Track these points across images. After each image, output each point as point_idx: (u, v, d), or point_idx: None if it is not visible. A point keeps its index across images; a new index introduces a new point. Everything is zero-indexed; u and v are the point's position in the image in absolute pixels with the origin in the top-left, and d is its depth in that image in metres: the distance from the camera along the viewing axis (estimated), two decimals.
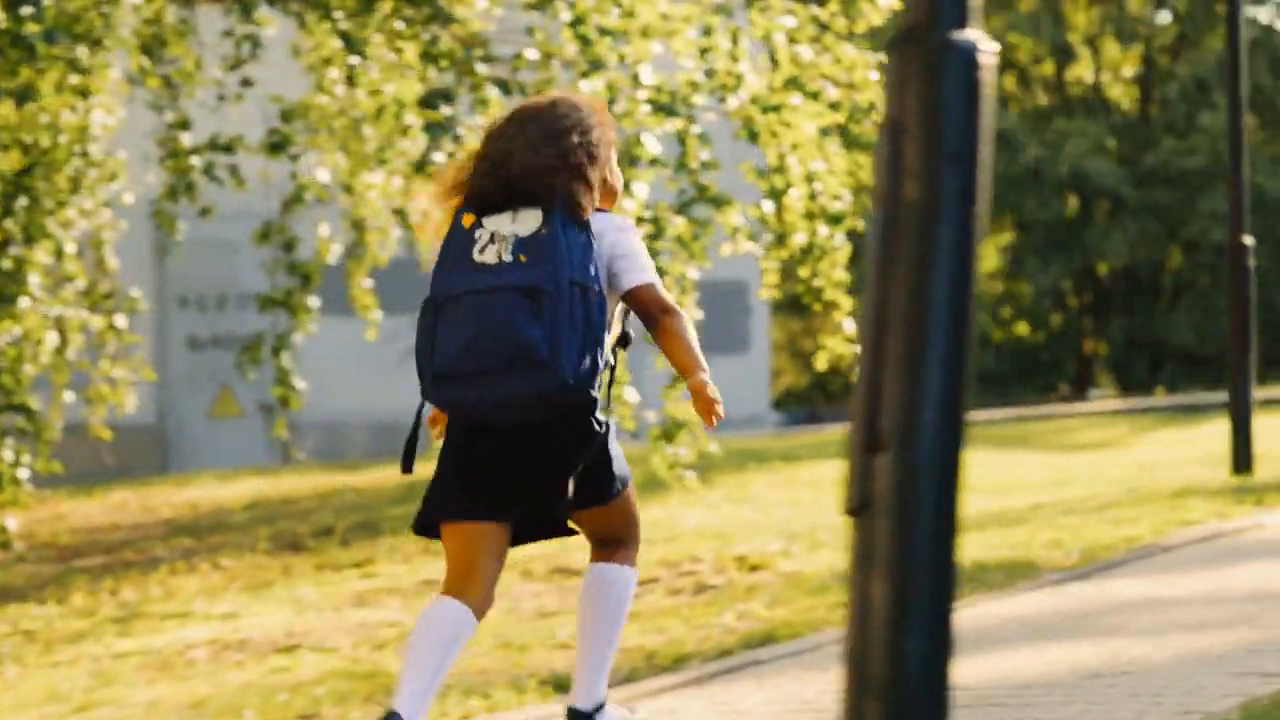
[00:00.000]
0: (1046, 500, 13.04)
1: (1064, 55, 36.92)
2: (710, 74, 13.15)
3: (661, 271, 12.98)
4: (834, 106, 13.24)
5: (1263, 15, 36.81)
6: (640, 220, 12.81)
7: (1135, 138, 35.80)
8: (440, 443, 5.43)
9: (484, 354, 5.10)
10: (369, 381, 24.54)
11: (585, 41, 12.78)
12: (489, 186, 5.27)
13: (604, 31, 12.79)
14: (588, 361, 5.15)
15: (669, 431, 13.29)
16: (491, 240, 5.21)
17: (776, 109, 13.27)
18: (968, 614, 8.92)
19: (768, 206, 13.42)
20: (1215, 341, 34.83)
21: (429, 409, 5.47)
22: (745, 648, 8.18)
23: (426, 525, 5.37)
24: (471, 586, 5.25)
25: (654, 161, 12.85)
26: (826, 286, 13.48)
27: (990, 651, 7.89)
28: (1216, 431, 18.29)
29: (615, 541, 5.59)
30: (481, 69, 12.88)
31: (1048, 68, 37.26)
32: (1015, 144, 34.53)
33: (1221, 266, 34.60)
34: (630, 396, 12.99)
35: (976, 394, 35.33)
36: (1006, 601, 9.26)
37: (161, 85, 13.68)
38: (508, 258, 5.16)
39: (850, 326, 13.57)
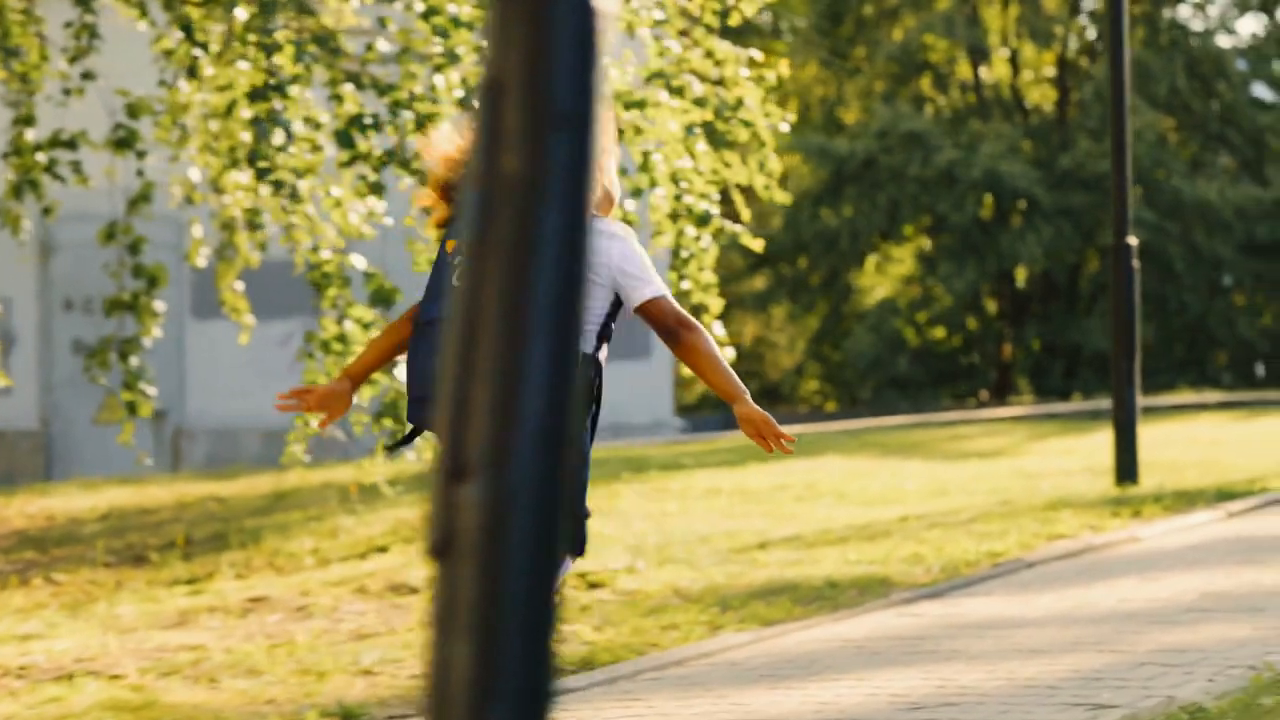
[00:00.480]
0: (919, 512, 12.53)
1: (980, 56, 36.49)
2: None
3: None
4: (700, 103, 12.69)
5: (1182, 14, 36.47)
6: None
7: (1051, 140, 35.38)
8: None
9: None
10: (261, 387, 23.95)
11: (441, 34, 12.20)
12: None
13: (459, 23, 12.21)
14: None
15: None
16: None
17: (640, 105, 12.71)
18: (802, 637, 8.43)
19: (631, 207, 12.85)
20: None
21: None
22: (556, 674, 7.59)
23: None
24: None
25: None
26: (695, 289, 12.92)
27: (812, 680, 7.39)
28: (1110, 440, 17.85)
29: None
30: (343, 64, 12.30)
31: (964, 69, 36.81)
32: (929, 146, 34.08)
33: (1145, 270, 34.22)
34: None
35: (886, 400, 34.96)
36: (849, 623, 8.76)
37: (8, 79, 13.05)
38: None
39: (720, 330, 13.01)
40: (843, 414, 31.96)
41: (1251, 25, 36.90)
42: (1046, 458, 16.38)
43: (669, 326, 5.39)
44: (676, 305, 5.42)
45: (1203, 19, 35.97)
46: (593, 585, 10.07)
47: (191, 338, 24.83)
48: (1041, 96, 37.48)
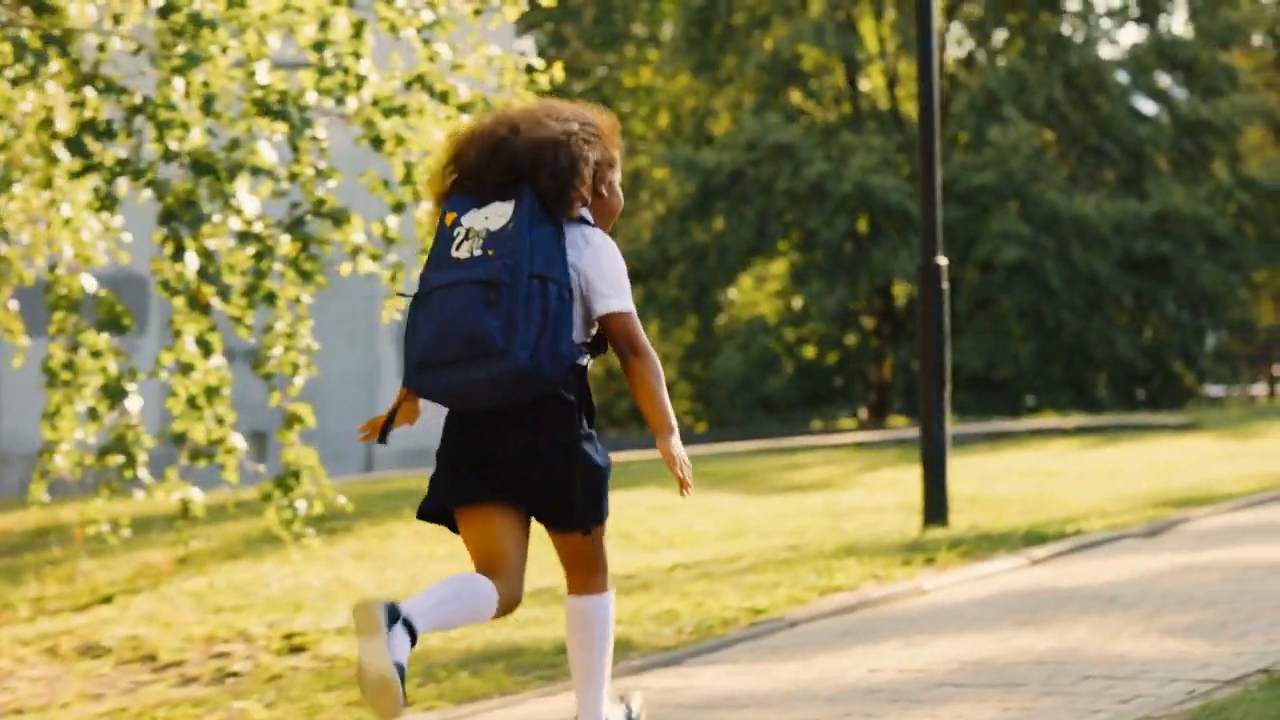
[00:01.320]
0: (700, 558, 11.45)
1: (855, 66, 35.53)
2: (326, 72, 11.45)
3: (272, 296, 11.36)
4: (464, 108, 11.58)
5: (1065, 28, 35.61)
6: (245, 237, 11.15)
7: (914, 151, 34.39)
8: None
9: (448, 344, 5.35)
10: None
11: (179, 33, 11.05)
12: (480, 177, 5.54)
13: (200, 21, 11.07)
14: (547, 350, 5.34)
15: (285, 481, 11.56)
16: (467, 236, 5.46)
17: (401, 111, 11.60)
18: (496, 718, 7.31)
19: (393, 222, 11.74)
20: (1010, 365, 33.53)
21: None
22: None
23: (428, 511, 5.68)
24: (495, 574, 5.51)
25: (257, 171, 11.15)
26: None
27: None
28: (956, 469, 16.85)
29: (588, 569, 5.76)
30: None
31: (838, 79, 35.82)
32: (799, 158, 33.09)
33: (1016, 287, 33.32)
34: (237, 441, 11.29)
35: (755, 422, 33.90)
36: (561, 699, 7.64)
37: None
38: (478, 252, 5.40)
39: None
40: (708, 437, 30.87)
41: (1132, 36, 36.06)
42: (870, 491, 15.34)
43: (623, 346, 5.55)
44: (639, 327, 5.58)
45: (1082, 29, 35.07)
46: (296, 649, 8.95)
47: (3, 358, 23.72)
48: (913, 108, 36.53)
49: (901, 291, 35.51)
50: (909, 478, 16.13)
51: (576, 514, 5.61)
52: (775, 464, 18.76)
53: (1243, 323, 35.02)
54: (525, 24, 39.99)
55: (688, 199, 34.24)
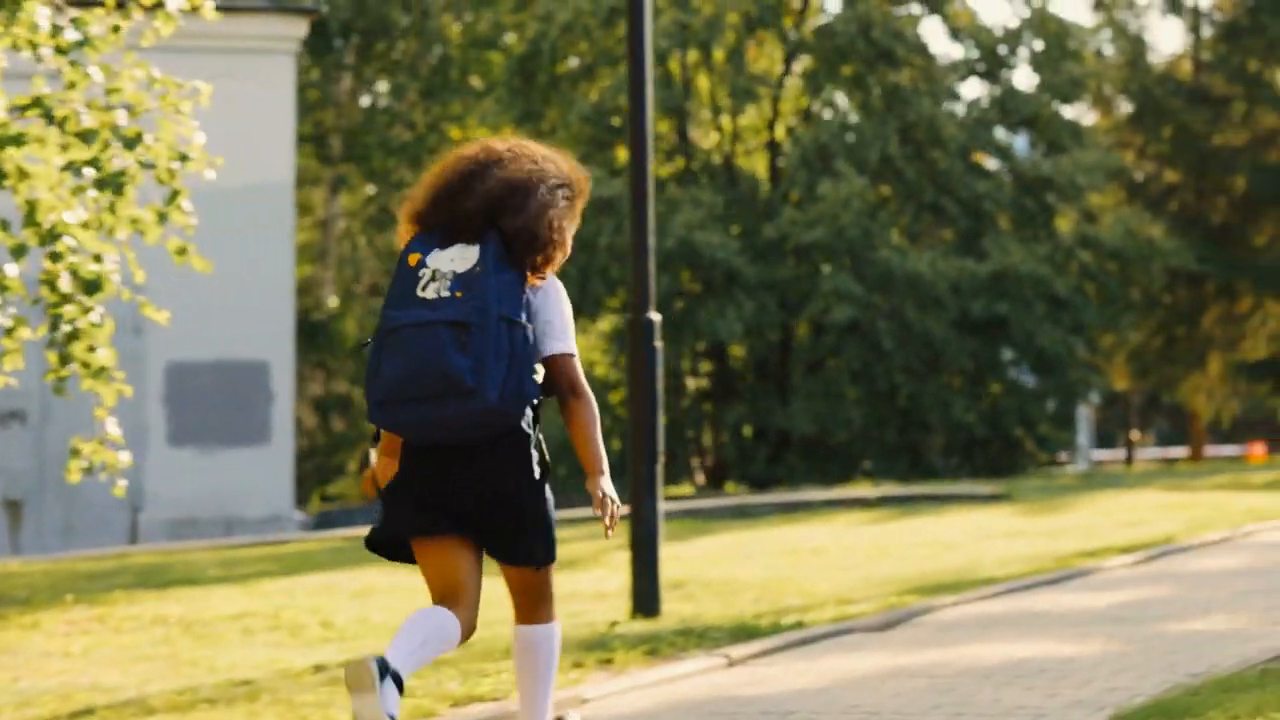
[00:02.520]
0: (344, 656, 9.86)
1: (685, 118, 34.13)
2: None
3: None
4: (85, 136, 10.01)
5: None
6: None
7: (756, 208, 33.06)
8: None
9: (418, 382, 5.55)
10: None
11: None
12: (444, 220, 5.76)
13: None
14: (514, 388, 5.58)
15: None
16: (433, 278, 5.66)
17: (17, 141, 10.02)
18: None
19: (12, 270, 10.15)
20: (844, 430, 32.13)
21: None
22: None
23: (380, 542, 5.83)
24: (453, 605, 5.66)
25: None
26: (84, 376, 10.21)
27: None
28: (720, 545, 15.40)
29: (538, 599, 5.92)
30: None
31: (668, 132, 34.37)
32: (622, 213, 31.61)
33: (849, 347, 31.96)
34: None
35: (575, 485, 32.30)
36: None
37: None
38: (445, 294, 5.61)
39: (114, 427, 10.31)
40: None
41: (974, 90, 34.88)
42: (612, 572, 13.79)
43: (564, 387, 5.75)
44: (580, 370, 5.80)
45: (921, 83, 33.85)
46: None
47: None
48: (751, 162, 35.23)
49: (738, 352, 34.08)
50: (670, 554, 14.63)
51: (533, 549, 5.79)
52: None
53: (1084, 387, 33.74)
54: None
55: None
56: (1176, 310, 42.49)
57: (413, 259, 5.75)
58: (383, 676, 5.39)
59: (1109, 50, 43.66)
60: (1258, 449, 51.57)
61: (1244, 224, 42.45)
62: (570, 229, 5.92)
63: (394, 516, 5.78)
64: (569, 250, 5.93)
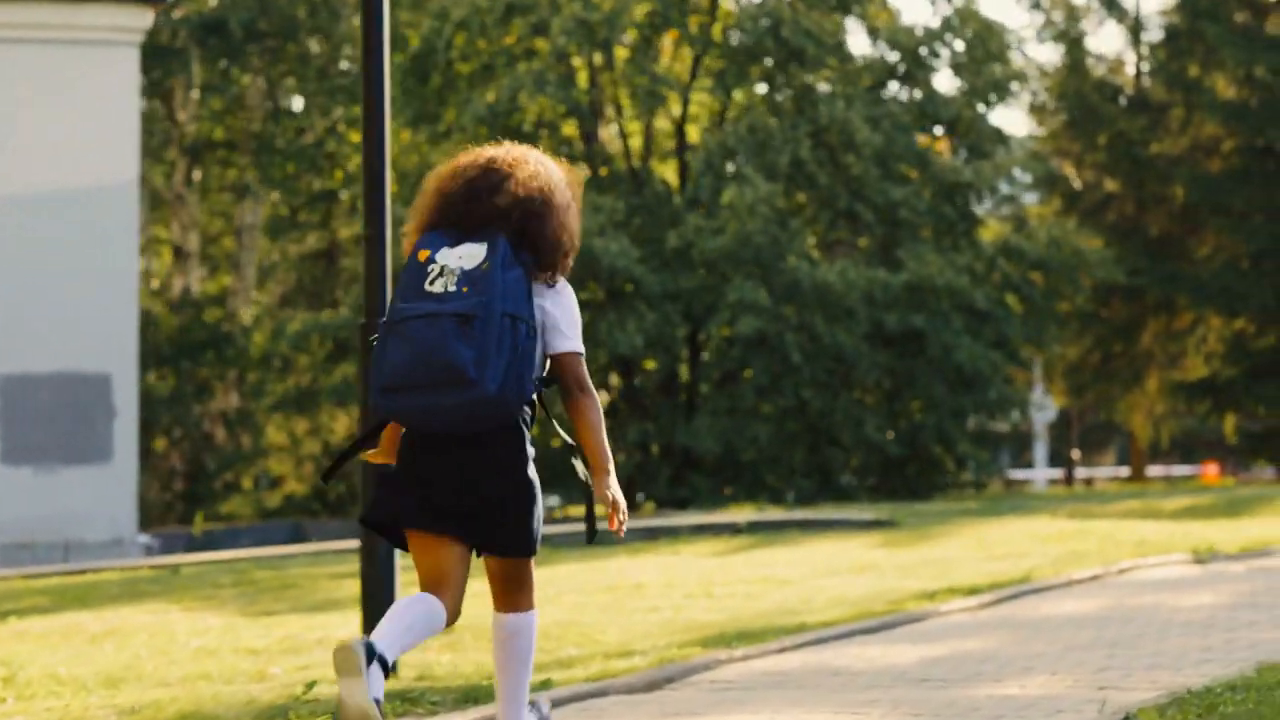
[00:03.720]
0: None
1: (585, 120, 32.47)
2: None
3: None
4: None
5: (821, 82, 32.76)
6: None
7: (662, 215, 31.40)
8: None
9: (421, 370, 5.78)
10: None
11: None
12: (454, 220, 5.98)
13: None
14: (514, 382, 5.78)
15: None
16: (441, 273, 5.87)
17: None
18: None
19: None
20: (751, 448, 30.46)
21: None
22: None
23: (378, 523, 6.10)
24: (441, 593, 5.91)
25: None
26: None
27: None
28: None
29: (519, 589, 6.16)
30: None
31: (573, 134, 32.72)
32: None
33: (756, 361, 30.31)
34: None
35: None
36: None
37: None
38: (452, 288, 5.83)
39: None
40: None
41: (891, 91, 33.24)
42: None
43: (571, 385, 5.98)
44: (586, 368, 6.02)
45: (835, 84, 32.26)
46: None
47: None
48: (664, 168, 33.60)
49: (651, 365, 32.39)
50: (472, 591, 12.97)
51: (518, 540, 5.99)
52: (338, 569, 15.45)
53: (1006, 403, 32.09)
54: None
55: (396, 262, 30.97)
56: (1114, 325, 40.94)
57: (422, 255, 5.93)
58: (369, 660, 5.61)
59: (1046, 55, 42.22)
60: (1211, 469, 50.08)
61: (1184, 235, 40.91)
62: (578, 231, 6.15)
63: (395, 503, 5.99)
64: (578, 250, 6.14)
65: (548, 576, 14.14)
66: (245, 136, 38.36)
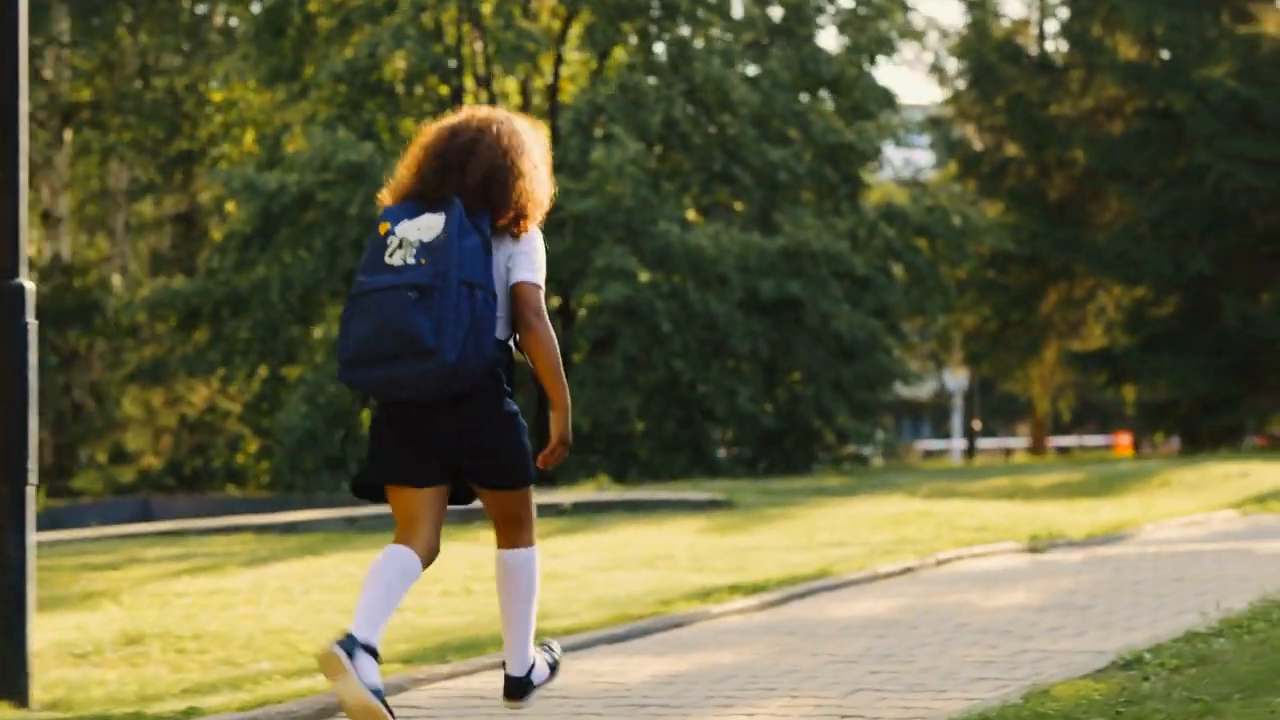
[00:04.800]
0: None
1: (452, 78, 30.96)
2: None
3: None
4: None
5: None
6: None
7: None
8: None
9: (381, 342, 5.95)
10: None
11: None
12: (414, 192, 6.14)
13: None
14: (473, 349, 5.92)
15: None
16: (400, 245, 6.03)
17: None
18: None
19: None
20: (621, 421, 29.09)
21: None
22: None
23: (363, 487, 6.33)
24: (415, 537, 6.12)
25: None
26: None
27: None
28: (283, 575, 12.41)
29: (519, 525, 6.35)
30: None
31: (439, 90, 31.16)
32: (375, 179, 28.44)
33: (624, 330, 28.90)
34: None
35: (324, 484, 29.23)
36: None
37: None
38: (411, 260, 5.99)
39: None
40: (264, 504, 26.11)
41: (773, 51, 31.77)
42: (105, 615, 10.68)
43: (529, 313, 6.11)
44: (541, 301, 6.15)
45: (712, 41, 30.82)
46: None
47: None
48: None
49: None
50: (199, 587, 11.55)
51: (510, 471, 6.20)
52: (152, 569, 13.95)
53: (888, 375, 30.72)
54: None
55: (248, 227, 29.41)
56: (1013, 293, 39.64)
57: (383, 228, 6.09)
58: (352, 654, 5.78)
59: (951, 16, 40.83)
60: (1124, 440, 48.84)
61: (1085, 201, 39.62)
62: (540, 183, 6.24)
63: (376, 467, 6.18)
64: (545, 203, 6.27)
65: (316, 569, 12.75)
66: (115, 97, 36.67)
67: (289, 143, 31.17)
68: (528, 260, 6.16)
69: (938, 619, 9.64)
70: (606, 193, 28.23)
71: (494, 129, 6.17)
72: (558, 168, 29.52)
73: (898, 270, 30.89)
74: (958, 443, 58.98)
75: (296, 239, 29.28)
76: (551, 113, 31.20)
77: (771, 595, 10.45)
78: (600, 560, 12.60)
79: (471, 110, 6.25)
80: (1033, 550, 13.10)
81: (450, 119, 6.25)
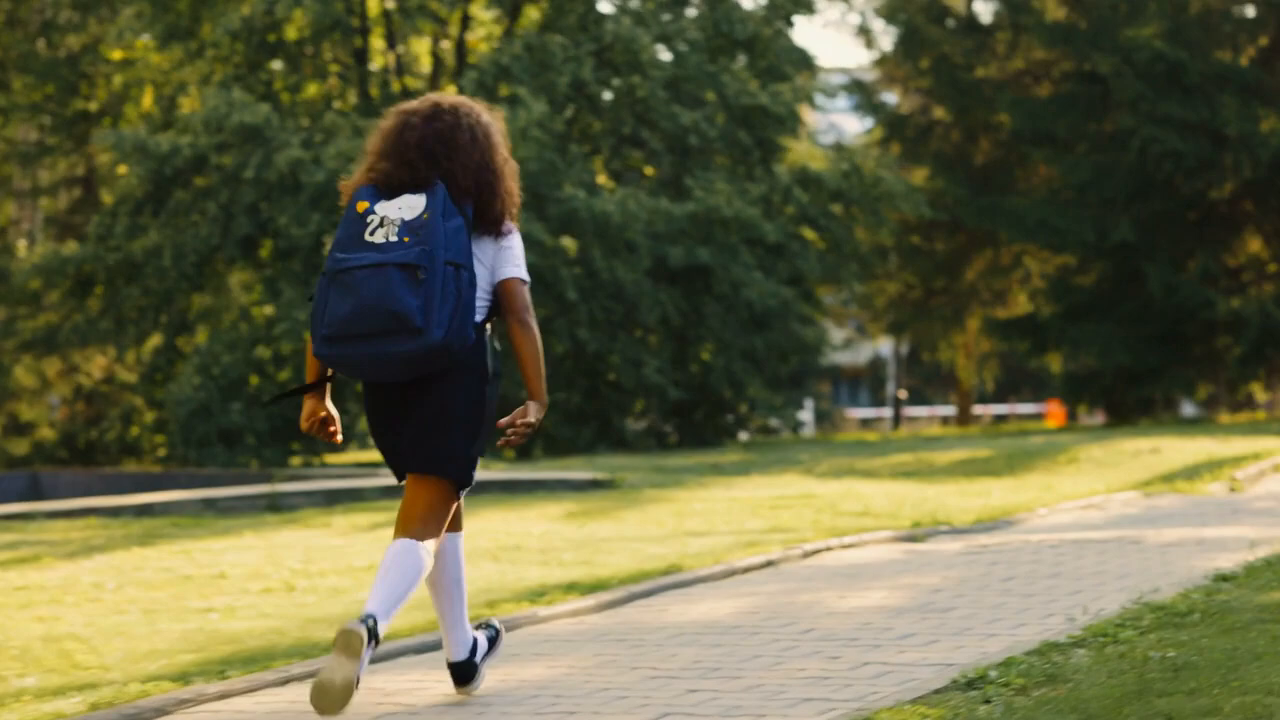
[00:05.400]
0: None
1: (356, 36, 29.98)
2: None
3: None
4: None
5: None
6: None
7: None
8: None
9: (367, 319, 5.94)
10: None
11: None
12: (391, 175, 6.15)
13: None
14: (457, 329, 6.00)
15: None
16: (381, 224, 6.06)
17: None
18: None
19: None
20: (521, 392, 28.16)
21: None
22: None
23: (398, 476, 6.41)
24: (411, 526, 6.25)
25: None
26: None
27: None
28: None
29: (425, 520, 6.28)
30: None
31: (339, 53, 30.19)
32: (272, 142, 27.53)
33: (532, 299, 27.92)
34: None
35: (214, 457, 28.25)
36: None
37: None
38: (394, 239, 6.01)
39: None
40: (154, 482, 25.18)
41: (681, 11, 30.86)
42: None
43: (516, 308, 6.22)
44: (529, 298, 6.29)
45: (623, 1, 29.88)
46: None
47: None
48: (436, 88, 31.14)
49: None
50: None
51: (450, 460, 6.23)
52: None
53: (801, 345, 29.90)
54: None
55: (140, 191, 28.38)
56: (937, 260, 38.86)
57: (360, 206, 6.13)
58: (368, 642, 6.03)
59: None
60: (1056, 409, 47.90)
61: (1011, 166, 38.83)
62: (514, 176, 6.34)
63: (390, 459, 6.32)
64: (519, 195, 6.36)
65: (139, 561, 11.87)
66: (19, 56, 35.53)
67: (185, 104, 30.13)
68: (512, 256, 6.24)
69: (783, 623, 8.82)
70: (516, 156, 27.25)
71: (468, 120, 6.25)
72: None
73: (812, 236, 30.04)
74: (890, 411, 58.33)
75: (190, 204, 28.28)
76: (458, 74, 30.24)
77: (611, 595, 9.60)
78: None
79: (437, 97, 6.30)
80: (911, 539, 12.29)
81: (416, 105, 6.29)
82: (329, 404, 6.46)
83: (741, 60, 31.02)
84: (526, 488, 17.02)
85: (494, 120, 6.38)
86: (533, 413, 6.19)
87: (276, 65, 29.65)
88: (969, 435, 31.41)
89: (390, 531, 7.23)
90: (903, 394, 46.37)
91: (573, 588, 9.69)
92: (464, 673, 6.73)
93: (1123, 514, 14.23)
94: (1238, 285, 35.21)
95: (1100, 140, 34.54)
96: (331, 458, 30.63)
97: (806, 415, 54.46)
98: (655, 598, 9.69)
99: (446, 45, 31.24)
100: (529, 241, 27.24)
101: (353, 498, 16.39)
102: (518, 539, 12.37)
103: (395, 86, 30.34)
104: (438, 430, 6.17)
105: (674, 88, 29.43)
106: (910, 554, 11.45)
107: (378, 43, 30.69)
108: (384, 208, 6.07)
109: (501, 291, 6.22)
